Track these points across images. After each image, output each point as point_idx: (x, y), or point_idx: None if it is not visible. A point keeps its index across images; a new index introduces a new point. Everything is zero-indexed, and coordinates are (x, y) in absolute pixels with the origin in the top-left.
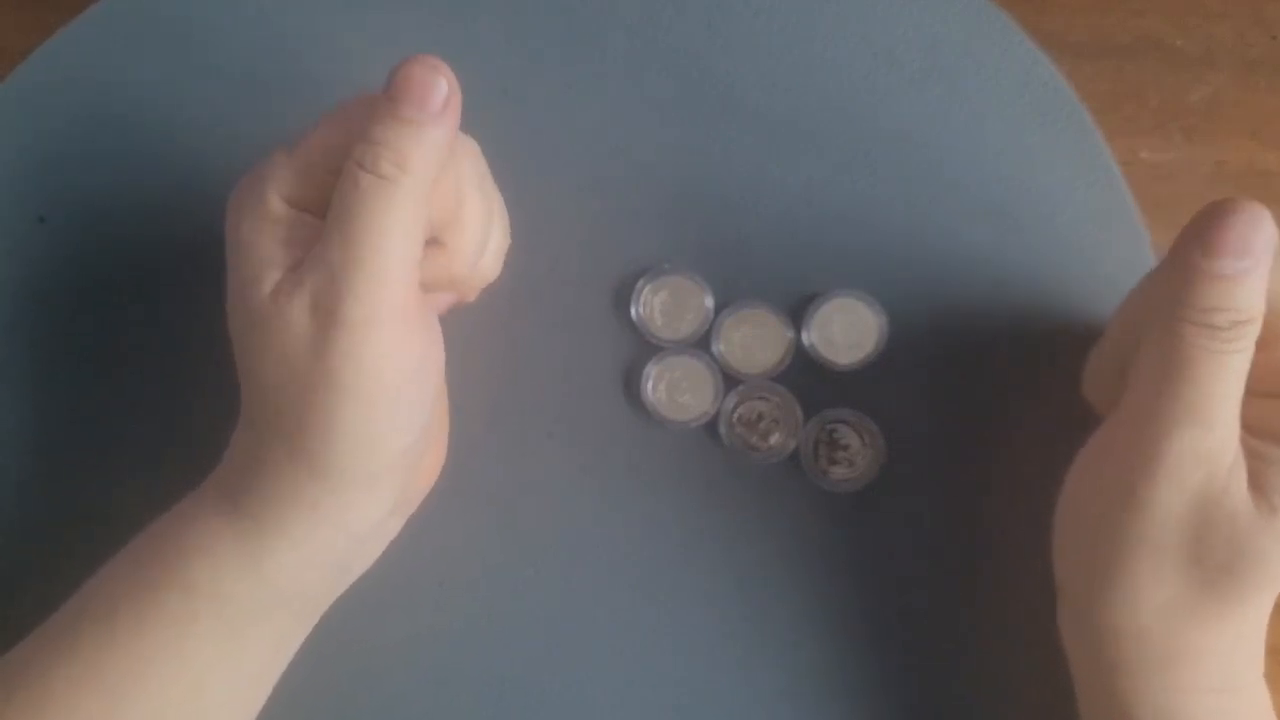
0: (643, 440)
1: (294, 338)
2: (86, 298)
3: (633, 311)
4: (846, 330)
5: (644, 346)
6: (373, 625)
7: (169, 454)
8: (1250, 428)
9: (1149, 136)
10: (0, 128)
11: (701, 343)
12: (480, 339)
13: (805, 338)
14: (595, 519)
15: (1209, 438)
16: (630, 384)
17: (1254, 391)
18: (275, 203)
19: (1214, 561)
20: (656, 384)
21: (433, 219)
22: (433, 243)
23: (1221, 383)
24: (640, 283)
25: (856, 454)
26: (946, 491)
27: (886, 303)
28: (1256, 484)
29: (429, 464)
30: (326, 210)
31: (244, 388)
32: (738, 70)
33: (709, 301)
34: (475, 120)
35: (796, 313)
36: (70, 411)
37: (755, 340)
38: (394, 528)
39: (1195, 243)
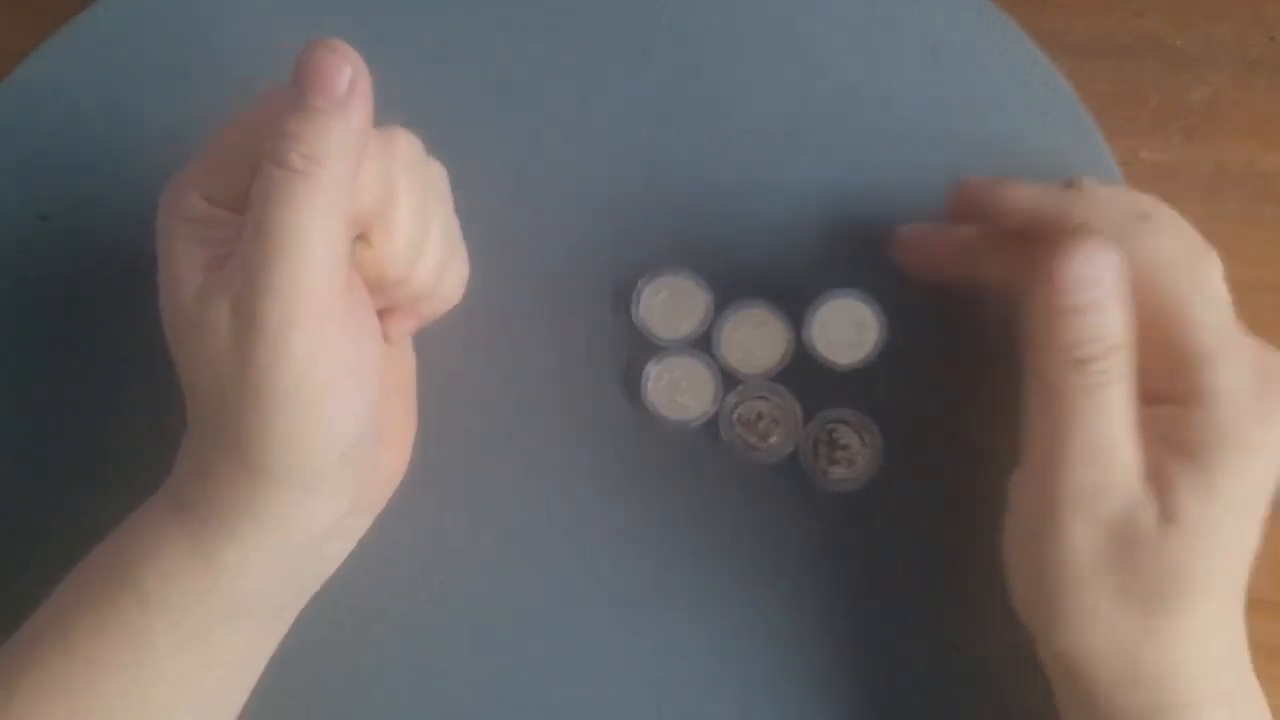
0: (643, 440)
1: (218, 340)
2: (88, 296)
3: (633, 311)
4: (846, 330)
5: (644, 346)
6: (369, 626)
7: (169, 453)
8: (1144, 440)
9: (1149, 136)
10: (2, 127)
11: (701, 343)
12: (480, 339)
13: (805, 337)
14: (595, 518)
15: (1107, 471)
16: (630, 384)
17: (1144, 399)
18: (194, 202)
19: (1141, 584)
20: (656, 384)
21: (357, 214)
22: (360, 239)
23: (1105, 416)
24: (640, 283)
25: (856, 454)
26: (946, 491)
27: (886, 303)
28: (1159, 497)
29: (391, 463)
30: (234, 200)
31: (185, 391)
32: (738, 70)
33: (709, 301)
34: (476, 120)
35: (796, 313)
36: (70, 409)
37: (755, 340)
38: (359, 528)
39: (1046, 284)
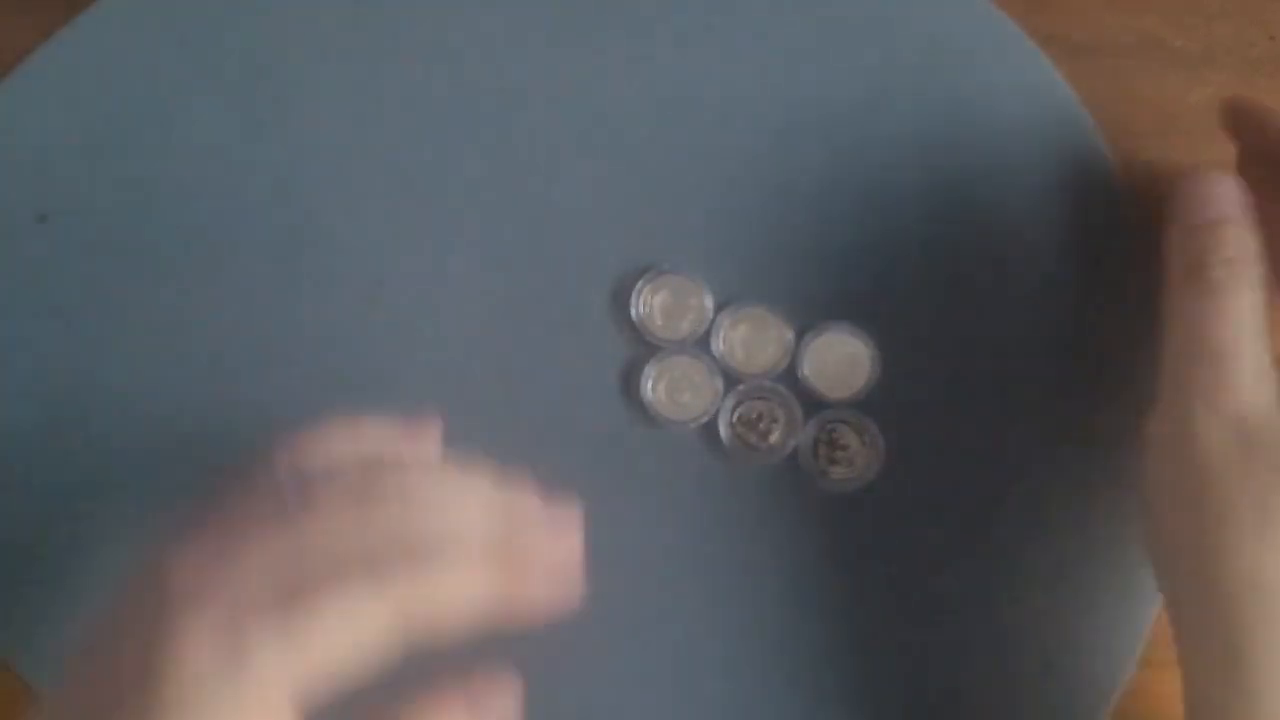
0: (642, 441)
1: None
2: (87, 297)
3: (632, 311)
4: (839, 365)
5: (643, 346)
6: None
7: (167, 451)
8: None
9: (1149, 137)
10: (0, 127)
11: (701, 342)
12: (479, 340)
13: (799, 373)
14: (594, 520)
15: (1226, 371)
16: (629, 384)
17: None
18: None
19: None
20: (656, 384)
21: None
22: None
23: (1223, 320)
24: (640, 283)
25: (856, 454)
26: (946, 490)
27: (885, 299)
28: None
29: None
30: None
31: None
32: (737, 70)
33: (708, 301)
34: (476, 120)
35: (796, 313)
36: (69, 409)
37: (755, 339)
38: None
39: (1170, 214)
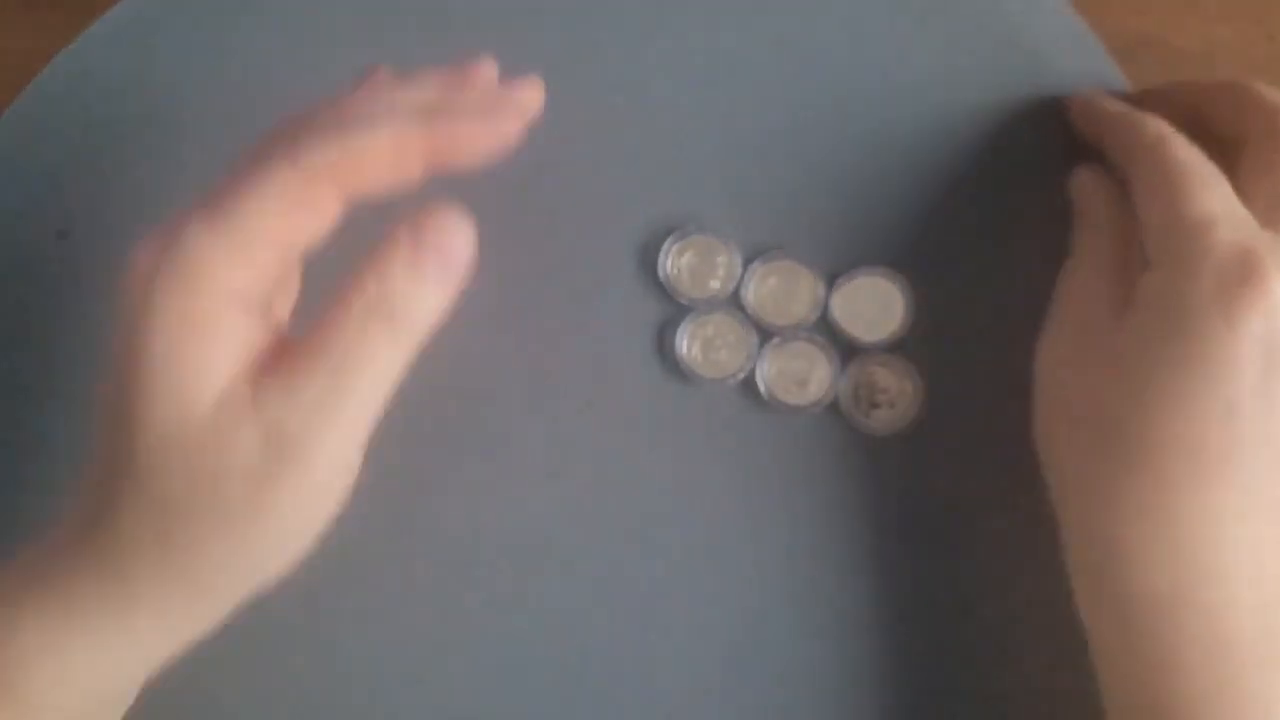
0: (681, 400)
1: (234, 464)
2: (107, 313)
3: (660, 272)
4: (870, 308)
5: (674, 307)
6: (404, 581)
7: None
8: None
9: None
10: (19, 142)
11: (732, 298)
12: (509, 310)
13: (829, 313)
14: (637, 483)
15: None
16: (664, 345)
17: None
18: (212, 301)
19: (1100, 363)
20: (691, 343)
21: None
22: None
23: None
24: (666, 243)
25: (897, 395)
26: (990, 427)
27: (917, 239)
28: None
29: None
30: (262, 305)
31: (117, 493)
32: (762, 32)
33: (736, 257)
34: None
35: (825, 259)
36: (91, 423)
37: (785, 291)
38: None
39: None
